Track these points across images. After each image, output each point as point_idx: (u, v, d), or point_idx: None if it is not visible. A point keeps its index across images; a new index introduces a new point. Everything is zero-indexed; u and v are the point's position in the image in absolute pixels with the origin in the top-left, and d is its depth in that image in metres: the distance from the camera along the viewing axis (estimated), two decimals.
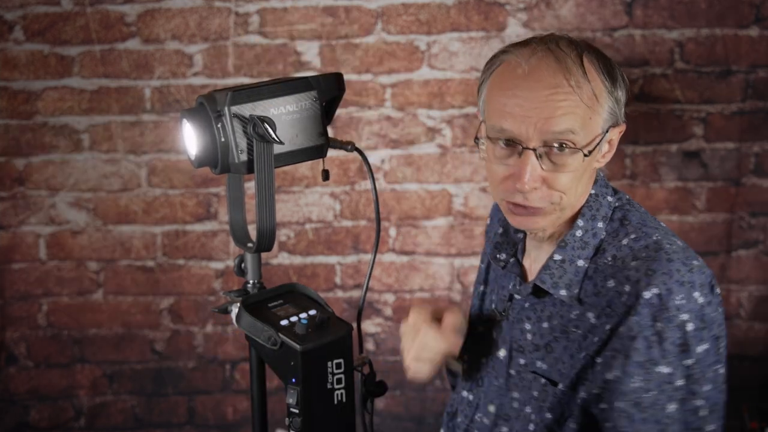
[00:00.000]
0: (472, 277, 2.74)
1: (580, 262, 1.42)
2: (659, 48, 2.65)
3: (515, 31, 2.65)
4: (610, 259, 1.40)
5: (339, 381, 1.32)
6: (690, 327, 1.32)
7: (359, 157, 1.44)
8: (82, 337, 2.82)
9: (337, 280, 2.79)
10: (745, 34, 2.64)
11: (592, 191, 1.45)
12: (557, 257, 1.44)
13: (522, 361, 1.48)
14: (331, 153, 1.42)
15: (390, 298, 2.80)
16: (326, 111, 1.41)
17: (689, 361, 1.33)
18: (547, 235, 1.46)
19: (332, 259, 2.78)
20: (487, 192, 2.73)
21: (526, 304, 1.49)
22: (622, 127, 1.43)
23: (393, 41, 2.67)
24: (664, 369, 1.33)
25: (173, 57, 2.67)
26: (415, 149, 2.72)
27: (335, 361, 1.31)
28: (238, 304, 1.38)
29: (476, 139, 1.45)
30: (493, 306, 1.59)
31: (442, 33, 2.66)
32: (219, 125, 1.31)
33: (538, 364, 1.46)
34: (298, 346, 1.28)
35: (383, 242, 2.75)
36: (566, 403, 1.42)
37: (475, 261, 2.72)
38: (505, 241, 1.57)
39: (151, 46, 2.67)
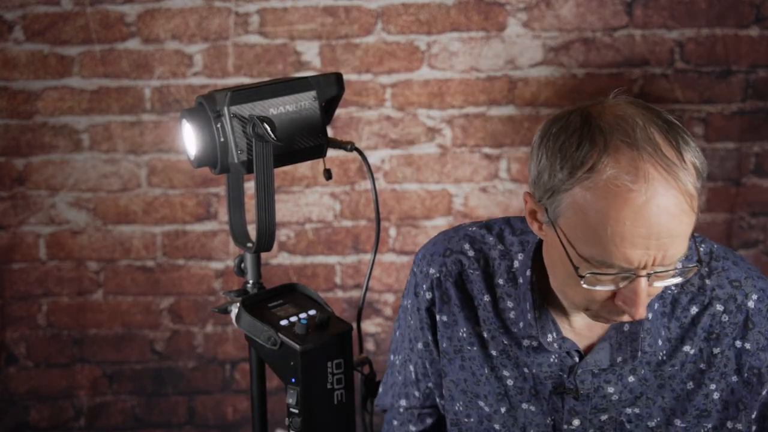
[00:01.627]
0: None
1: (656, 305, 1.37)
2: (659, 48, 2.65)
3: (515, 31, 2.65)
4: (673, 288, 1.37)
5: (339, 381, 1.32)
6: None
7: (359, 157, 1.44)
8: (82, 337, 2.82)
9: (337, 280, 2.79)
10: (745, 34, 2.64)
11: None
12: (650, 314, 1.36)
13: (605, 417, 1.41)
14: (331, 153, 1.42)
15: (390, 298, 2.80)
16: (326, 111, 1.41)
17: None
18: None
19: (332, 259, 2.78)
20: (486, 192, 2.73)
21: (596, 370, 1.38)
22: None
23: (393, 41, 2.67)
24: None
25: (173, 57, 2.67)
26: (415, 149, 2.72)
27: (335, 361, 1.31)
28: (238, 304, 1.37)
29: (535, 220, 1.30)
30: (526, 388, 1.43)
31: (442, 33, 2.66)
32: (218, 125, 1.31)
33: (628, 411, 1.40)
34: (297, 346, 1.28)
35: (383, 242, 2.75)
36: None
37: None
38: (518, 315, 1.42)
39: (151, 46, 2.67)
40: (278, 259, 2.77)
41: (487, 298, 1.44)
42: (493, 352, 1.44)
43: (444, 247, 1.49)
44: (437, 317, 1.47)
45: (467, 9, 2.65)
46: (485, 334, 1.44)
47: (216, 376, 2.85)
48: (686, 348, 1.38)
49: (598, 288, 1.23)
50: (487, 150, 2.71)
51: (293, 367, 1.29)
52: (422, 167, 2.72)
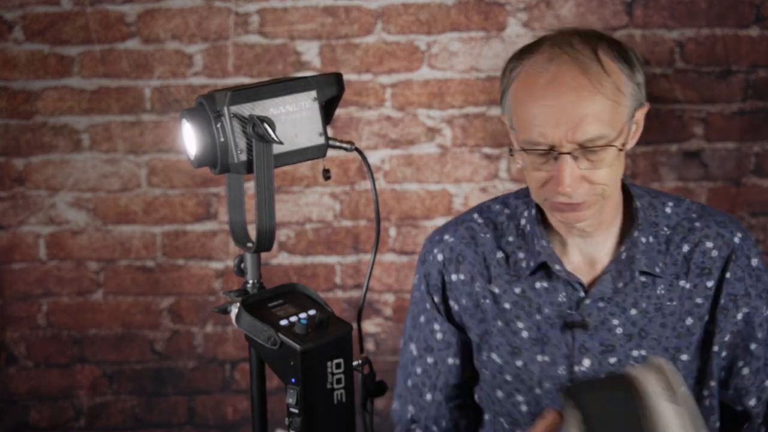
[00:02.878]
0: None
1: (651, 239, 1.49)
2: (659, 48, 2.65)
3: (515, 31, 2.65)
4: (666, 229, 1.50)
5: (339, 381, 1.32)
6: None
7: (359, 157, 1.44)
8: (82, 337, 2.82)
9: (337, 280, 2.79)
10: (745, 34, 2.64)
11: None
12: (644, 239, 1.48)
13: (613, 360, 1.48)
14: (331, 153, 1.42)
15: (390, 298, 2.80)
16: (326, 111, 1.41)
17: None
18: (595, 227, 1.47)
19: (332, 259, 2.78)
20: (486, 192, 2.73)
21: (600, 304, 1.48)
22: (646, 107, 1.45)
23: (393, 41, 2.67)
24: None
25: (173, 57, 2.67)
26: (415, 149, 2.72)
27: (335, 361, 1.31)
28: (238, 304, 1.37)
29: (510, 151, 1.46)
30: (535, 328, 1.51)
31: (442, 33, 2.66)
32: (218, 125, 1.31)
33: (634, 354, 1.47)
34: (297, 346, 1.28)
35: (383, 242, 2.75)
36: (695, 369, 1.50)
37: None
38: (528, 258, 1.52)
39: (151, 46, 2.67)
40: (278, 259, 2.77)
41: (499, 254, 1.55)
42: (507, 305, 1.53)
43: (454, 221, 1.62)
44: (451, 277, 1.57)
45: (467, 9, 2.65)
46: (497, 290, 1.54)
47: (216, 376, 2.85)
48: (682, 283, 1.49)
49: (533, 173, 1.39)
50: (487, 150, 2.71)
51: (293, 367, 1.29)
52: (422, 167, 2.72)
